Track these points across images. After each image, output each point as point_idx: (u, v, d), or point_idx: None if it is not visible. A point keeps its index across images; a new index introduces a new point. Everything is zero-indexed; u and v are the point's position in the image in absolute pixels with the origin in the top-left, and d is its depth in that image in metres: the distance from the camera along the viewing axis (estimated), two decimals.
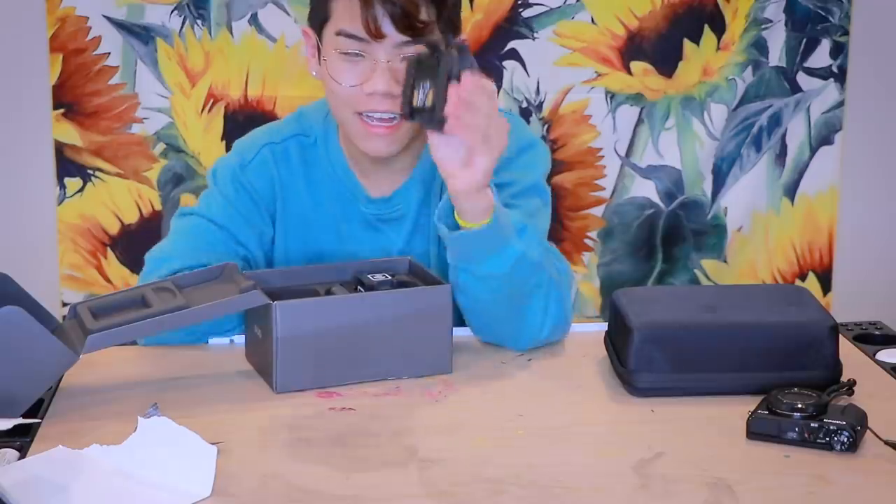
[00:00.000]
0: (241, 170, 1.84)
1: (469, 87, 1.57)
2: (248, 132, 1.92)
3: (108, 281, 2.74)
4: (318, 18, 1.76)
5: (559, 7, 2.71)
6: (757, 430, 1.46)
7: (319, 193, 1.86)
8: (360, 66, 1.73)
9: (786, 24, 2.76)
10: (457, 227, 1.66)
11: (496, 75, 2.74)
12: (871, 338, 1.79)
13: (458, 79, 1.57)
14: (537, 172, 1.86)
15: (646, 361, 1.58)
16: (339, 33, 1.73)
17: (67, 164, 2.69)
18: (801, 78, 2.79)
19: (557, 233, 2.80)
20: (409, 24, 1.69)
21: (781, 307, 1.64)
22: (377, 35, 1.70)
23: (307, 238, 1.86)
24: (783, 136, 2.82)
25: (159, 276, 1.73)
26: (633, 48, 2.74)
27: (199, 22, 2.65)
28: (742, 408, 1.52)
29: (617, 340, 1.66)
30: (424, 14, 1.70)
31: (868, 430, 1.45)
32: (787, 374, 1.57)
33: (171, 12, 2.65)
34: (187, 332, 1.71)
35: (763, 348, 1.58)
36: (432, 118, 1.59)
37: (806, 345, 1.58)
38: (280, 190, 1.85)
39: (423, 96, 1.59)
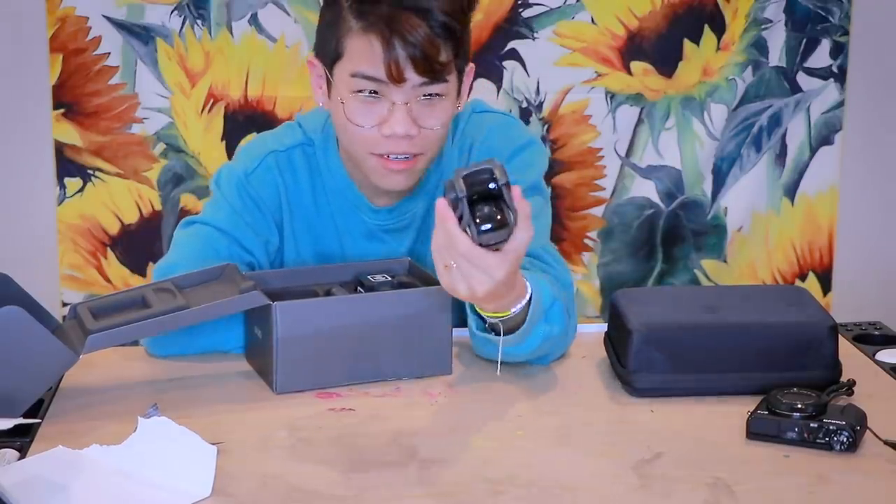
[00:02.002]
0: (246, 178, 1.81)
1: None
2: (248, 136, 1.91)
3: (108, 281, 2.74)
4: (329, 54, 1.71)
5: (559, 7, 2.71)
6: (757, 430, 1.46)
7: (323, 203, 1.85)
8: (376, 107, 1.69)
9: (786, 24, 2.76)
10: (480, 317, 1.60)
11: (496, 75, 2.74)
12: (870, 338, 1.79)
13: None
14: (537, 171, 1.86)
15: (645, 362, 1.58)
16: (355, 75, 1.68)
17: (67, 164, 2.69)
18: (801, 78, 2.79)
19: (557, 233, 2.80)
20: (429, 67, 1.66)
21: (781, 307, 1.65)
22: (399, 79, 1.65)
23: (315, 247, 1.86)
24: (783, 136, 2.82)
25: None
26: (633, 48, 2.74)
27: (199, 22, 2.66)
28: (742, 408, 1.52)
29: (617, 341, 1.66)
30: (443, 55, 1.67)
31: (868, 430, 1.46)
32: (787, 374, 1.57)
33: (171, 12, 2.65)
34: (190, 342, 1.71)
35: (763, 349, 1.58)
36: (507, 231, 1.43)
37: (805, 345, 1.58)
38: (286, 198, 1.83)
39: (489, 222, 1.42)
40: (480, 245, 1.41)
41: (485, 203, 1.41)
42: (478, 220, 1.40)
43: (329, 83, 1.73)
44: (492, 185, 1.41)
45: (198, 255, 1.76)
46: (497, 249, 1.42)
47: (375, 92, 1.68)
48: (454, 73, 1.71)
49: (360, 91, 1.68)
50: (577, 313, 1.96)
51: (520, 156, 1.84)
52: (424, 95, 1.68)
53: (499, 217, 1.41)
